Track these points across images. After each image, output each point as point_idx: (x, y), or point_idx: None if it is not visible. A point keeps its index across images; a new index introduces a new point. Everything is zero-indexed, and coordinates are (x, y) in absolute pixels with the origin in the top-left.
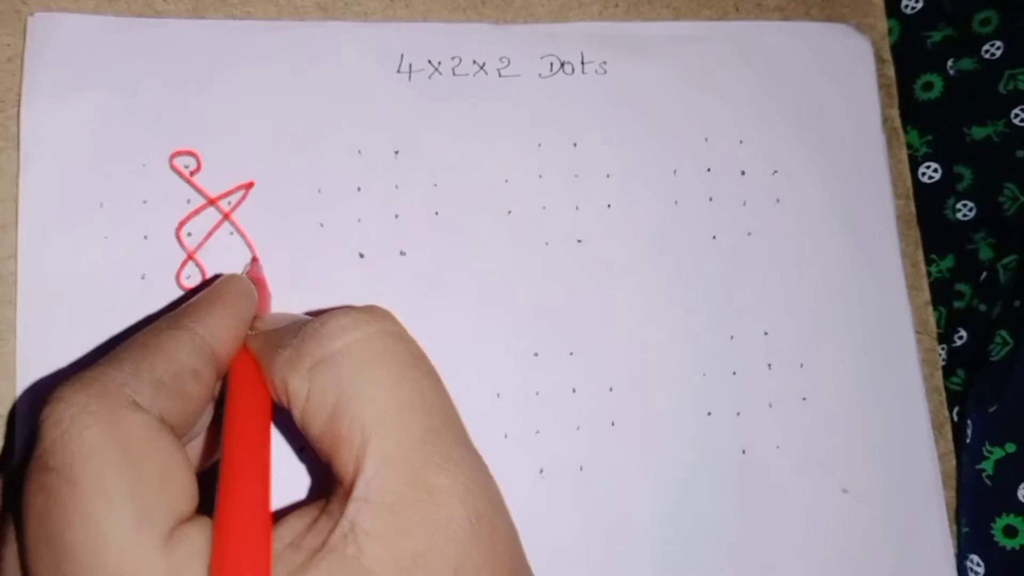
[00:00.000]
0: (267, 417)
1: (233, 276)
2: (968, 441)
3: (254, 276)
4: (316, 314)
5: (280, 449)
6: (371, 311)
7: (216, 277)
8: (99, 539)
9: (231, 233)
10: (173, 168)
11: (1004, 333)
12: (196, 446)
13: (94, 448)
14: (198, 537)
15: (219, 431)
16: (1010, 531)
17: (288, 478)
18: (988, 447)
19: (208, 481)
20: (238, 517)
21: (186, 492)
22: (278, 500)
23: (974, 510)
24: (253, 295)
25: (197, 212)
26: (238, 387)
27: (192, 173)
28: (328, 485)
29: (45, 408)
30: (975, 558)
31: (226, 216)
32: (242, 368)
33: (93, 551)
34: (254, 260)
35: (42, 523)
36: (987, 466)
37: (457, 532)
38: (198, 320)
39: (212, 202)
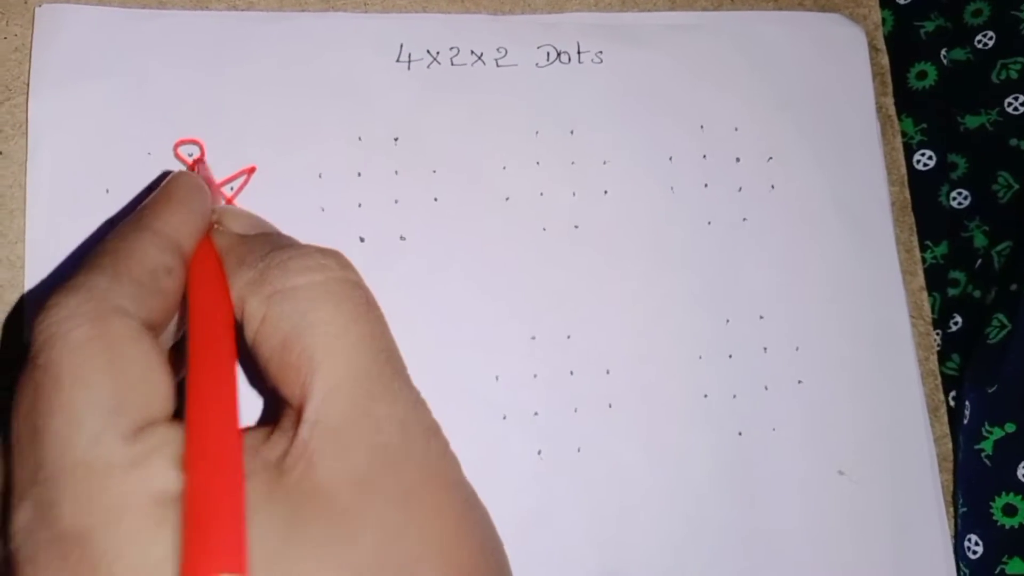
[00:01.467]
0: (230, 311)
1: (182, 173)
2: (966, 422)
3: (204, 176)
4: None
5: None
6: (335, 256)
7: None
8: (72, 425)
9: None
10: (177, 156)
11: (1002, 316)
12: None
13: (79, 345)
14: (167, 432)
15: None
16: (1010, 510)
17: None
18: (987, 427)
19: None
20: (209, 407)
21: (162, 396)
22: None
23: (973, 490)
24: (205, 190)
25: None
26: (201, 281)
27: (196, 161)
28: (275, 409)
29: (38, 315)
30: (974, 537)
31: (229, 201)
32: (203, 261)
33: (67, 436)
34: (200, 161)
35: (27, 418)
36: (986, 446)
37: (395, 454)
38: (159, 218)
39: (215, 188)
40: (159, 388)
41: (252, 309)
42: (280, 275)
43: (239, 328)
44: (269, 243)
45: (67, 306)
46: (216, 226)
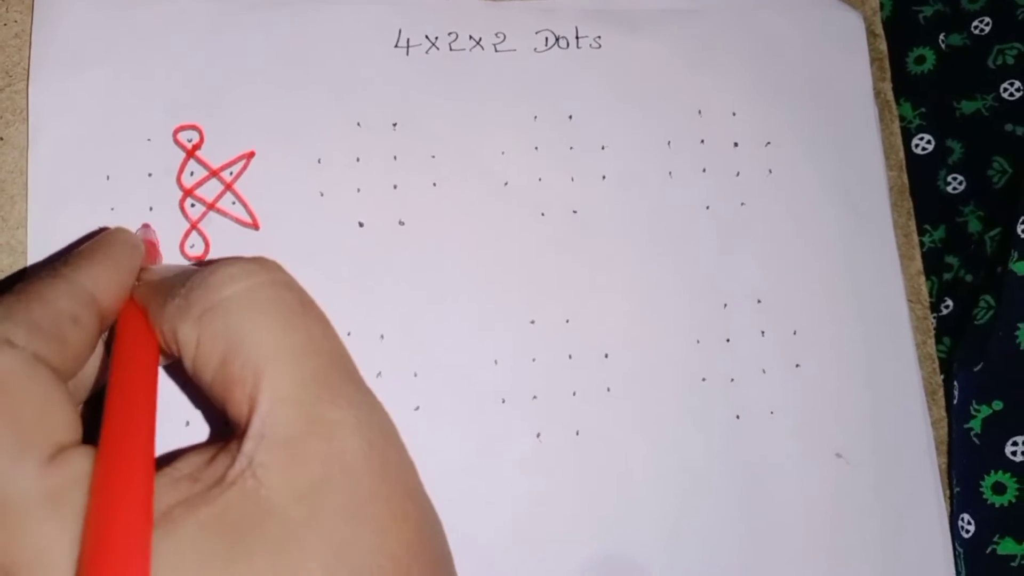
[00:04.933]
0: (154, 360)
1: (117, 228)
2: (955, 402)
3: (145, 238)
4: (205, 265)
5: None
6: (259, 261)
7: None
8: None
9: (233, 203)
10: (177, 142)
11: (988, 298)
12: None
13: None
14: (81, 462)
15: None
16: (999, 488)
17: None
18: (975, 406)
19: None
20: (121, 444)
21: (66, 422)
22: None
23: (964, 469)
24: (138, 247)
25: (200, 184)
26: (125, 334)
27: (195, 147)
28: (225, 431)
29: None
30: (966, 516)
31: (228, 186)
32: (129, 317)
33: None
34: (146, 226)
35: None
36: (975, 424)
37: (351, 462)
38: (77, 268)
39: (215, 173)
40: (62, 416)
41: (185, 336)
42: (204, 293)
43: (180, 364)
44: (188, 271)
45: None
46: (136, 283)
